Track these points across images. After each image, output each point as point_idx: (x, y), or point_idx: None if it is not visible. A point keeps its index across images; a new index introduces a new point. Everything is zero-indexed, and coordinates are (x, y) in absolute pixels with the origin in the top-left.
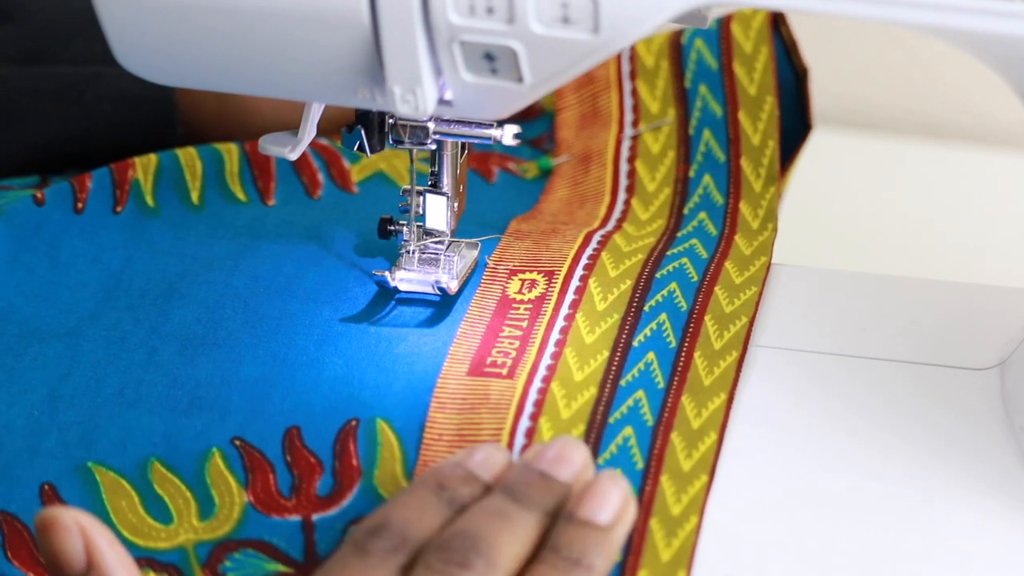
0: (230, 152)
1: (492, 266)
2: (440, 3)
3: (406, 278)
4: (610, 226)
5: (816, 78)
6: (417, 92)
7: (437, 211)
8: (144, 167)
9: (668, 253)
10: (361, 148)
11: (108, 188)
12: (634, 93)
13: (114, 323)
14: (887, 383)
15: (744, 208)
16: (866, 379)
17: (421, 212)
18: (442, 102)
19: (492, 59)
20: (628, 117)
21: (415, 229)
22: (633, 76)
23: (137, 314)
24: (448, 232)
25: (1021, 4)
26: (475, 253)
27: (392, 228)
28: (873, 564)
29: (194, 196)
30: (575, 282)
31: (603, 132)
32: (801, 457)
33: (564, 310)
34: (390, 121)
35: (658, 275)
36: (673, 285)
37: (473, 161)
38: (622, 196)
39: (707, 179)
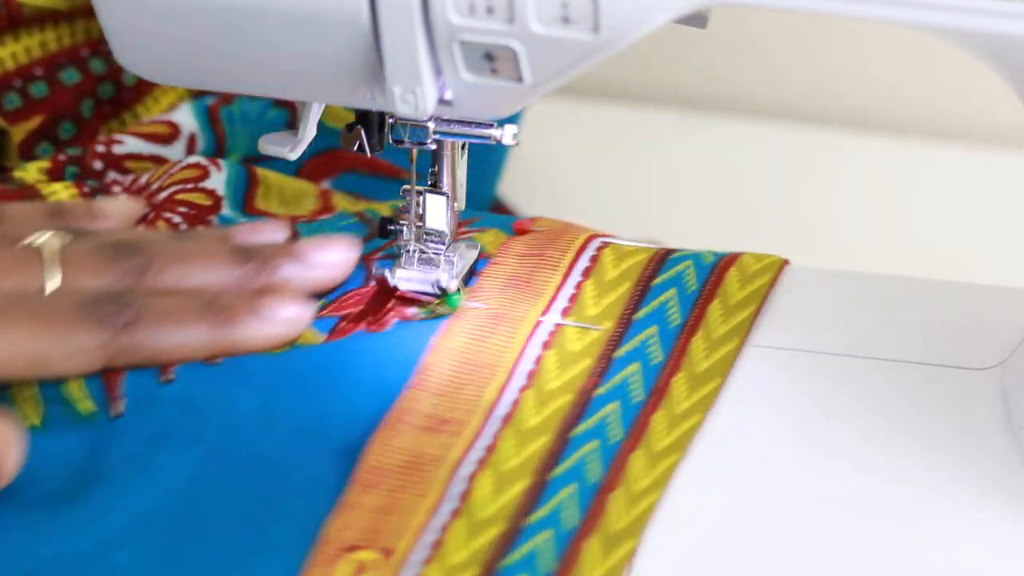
0: None
1: (325, 542)
2: (440, 3)
3: (406, 277)
4: (485, 440)
5: (816, 78)
6: (417, 92)
7: (437, 211)
8: None
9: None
10: (361, 148)
11: None
12: (578, 287)
13: None
14: (887, 383)
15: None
16: (866, 379)
17: (421, 212)
18: (442, 102)
19: (492, 59)
20: (559, 304)
21: (414, 229)
22: (587, 274)
23: None
24: (448, 232)
25: (1021, 4)
26: (475, 253)
27: (392, 228)
28: (873, 564)
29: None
30: (412, 569)
31: (529, 301)
32: (800, 456)
33: None
34: (390, 121)
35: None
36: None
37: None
38: (518, 382)
39: (612, 407)
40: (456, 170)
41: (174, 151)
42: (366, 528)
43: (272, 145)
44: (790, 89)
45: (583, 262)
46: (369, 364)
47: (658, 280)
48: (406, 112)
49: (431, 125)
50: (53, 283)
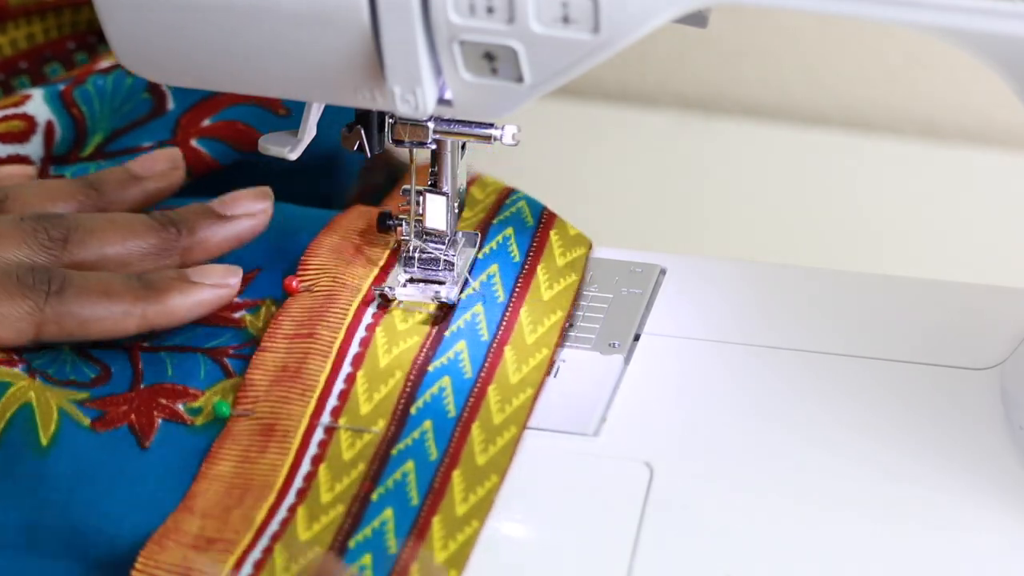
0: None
1: None
2: (440, 3)
3: (406, 294)
4: (258, 550)
5: (816, 78)
6: (417, 92)
7: (437, 211)
8: None
9: None
10: (361, 148)
11: None
12: (349, 379)
13: None
14: (887, 383)
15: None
16: (866, 379)
17: (421, 212)
18: (442, 102)
19: (492, 59)
20: (330, 402)
21: (414, 229)
22: (357, 362)
23: None
24: (448, 232)
25: (1021, 4)
26: (473, 251)
27: (391, 223)
28: (872, 563)
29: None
30: None
31: (299, 402)
32: (800, 456)
33: None
34: (390, 121)
35: None
36: None
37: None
38: (289, 500)
39: (388, 513)
40: (456, 170)
41: (32, 148)
42: None
43: (272, 145)
44: (790, 89)
45: (354, 346)
46: (136, 480)
47: (432, 366)
48: (406, 112)
49: (431, 125)
50: None
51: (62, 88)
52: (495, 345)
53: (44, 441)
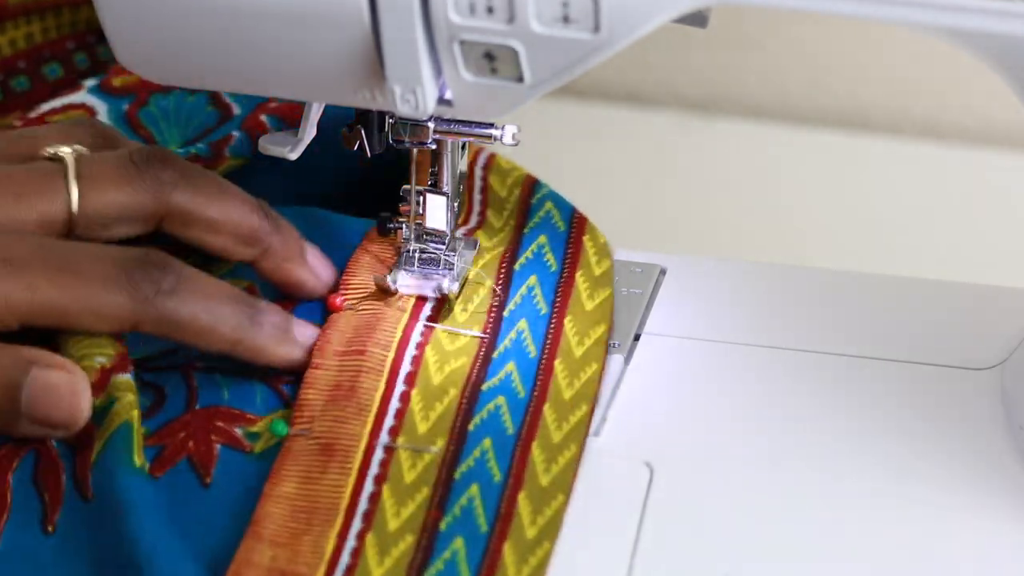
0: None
1: None
2: (440, 2)
3: (406, 283)
4: None
5: (816, 78)
6: (417, 92)
7: (437, 211)
8: None
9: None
10: (361, 148)
11: None
12: (404, 397)
13: None
14: (887, 383)
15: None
16: (866, 379)
17: (421, 212)
18: (442, 102)
19: (492, 59)
20: (387, 422)
21: (414, 229)
22: (410, 380)
23: None
24: (448, 232)
25: (1021, 4)
26: (474, 252)
27: (391, 225)
28: (872, 563)
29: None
30: None
31: (356, 421)
32: (800, 456)
33: None
34: (390, 121)
35: None
36: None
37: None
38: (357, 526)
39: (458, 543)
40: (456, 170)
41: None
42: None
43: (272, 145)
44: (790, 89)
45: (406, 364)
46: (203, 519)
47: (485, 385)
48: (406, 112)
49: (431, 125)
50: (76, 201)
51: (126, 108)
52: (544, 361)
53: (138, 462)
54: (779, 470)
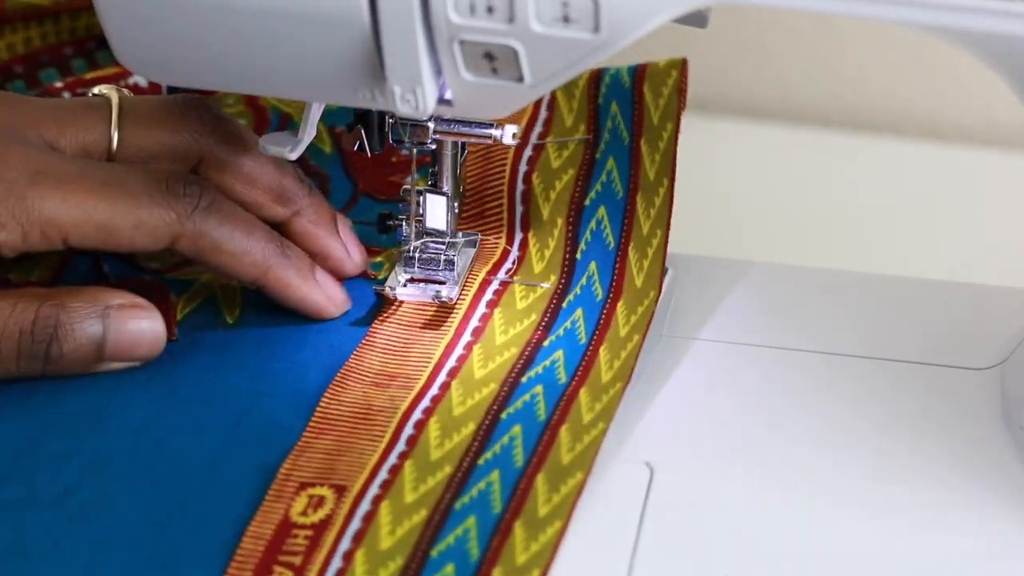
0: None
1: (281, 479)
2: (440, 2)
3: (405, 293)
4: (433, 391)
5: (816, 78)
6: (417, 92)
7: (437, 211)
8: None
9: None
10: (361, 148)
11: None
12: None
13: None
14: (887, 383)
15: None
16: (866, 379)
17: (421, 211)
18: (442, 102)
19: (492, 58)
20: (506, 265)
21: (414, 228)
22: (470, 344)
23: None
24: (448, 232)
25: (1021, 4)
26: (474, 250)
27: (391, 223)
28: (872, 564)
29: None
30: (365, 504)
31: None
32: (800, 456)
33: (344, 543)
34: (390, 121)
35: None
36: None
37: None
38: (465, 339)
39: (558, 354)
40: (456, 170)
41: None
42: (320, 468)
43: (272, 145)
44: (790, 89)
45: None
46: (318, 328)
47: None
48: (406, 112)
49: (431, 125)
50: (116, 134)
51: None
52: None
53: (231, 320)
54: (778, 470)
